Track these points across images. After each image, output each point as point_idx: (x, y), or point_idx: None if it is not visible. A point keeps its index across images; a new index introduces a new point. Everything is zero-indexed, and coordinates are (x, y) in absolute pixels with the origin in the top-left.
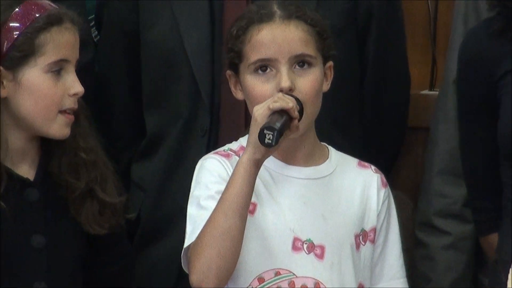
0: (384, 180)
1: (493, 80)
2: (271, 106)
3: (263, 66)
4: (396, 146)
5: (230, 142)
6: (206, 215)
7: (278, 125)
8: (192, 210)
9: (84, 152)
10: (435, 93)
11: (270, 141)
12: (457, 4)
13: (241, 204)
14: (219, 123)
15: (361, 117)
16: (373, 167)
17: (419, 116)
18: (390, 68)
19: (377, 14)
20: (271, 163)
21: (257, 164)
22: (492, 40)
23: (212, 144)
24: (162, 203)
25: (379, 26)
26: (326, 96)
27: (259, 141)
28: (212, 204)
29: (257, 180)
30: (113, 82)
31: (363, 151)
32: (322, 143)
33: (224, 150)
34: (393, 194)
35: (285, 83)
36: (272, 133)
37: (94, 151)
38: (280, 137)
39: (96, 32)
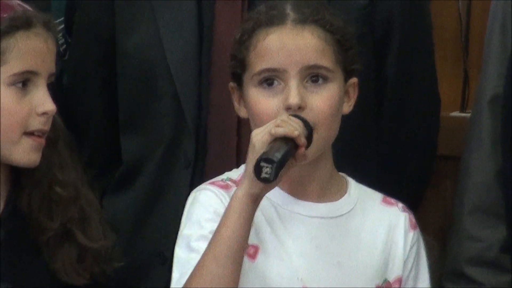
0: (413, 220)
1: None
2: (272, 132)
3: (270, 78)
4: (422, 182)
5: (219, 174)
6: (197, 259)
7: (278, 156)
8: (180, 252)
9: (60, 186)
10: (467, 115)
11: (267, 176)
12: (493, 9)
13: (235, 248)
14: (206, 152)
15: (378, 146)
16: (400, 204)
17: (448, 142)
18: (415, 86)
19: (399, 21)
20: (277, 196)
21: (254, 200)
22: None
23: (198, 177)
24: (137, 247)
25: (402, 35)
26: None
27: (255, 175)
28: (205, 246)
29: (260, 218)
30: (85, 98)
31: (378, 187)
32: (340, 173)
33: (222, 180)
34: None
35: (294, 99)
36: (270, 165)
37: (74, 185)
38: (280, 170)
39: (63, 39)
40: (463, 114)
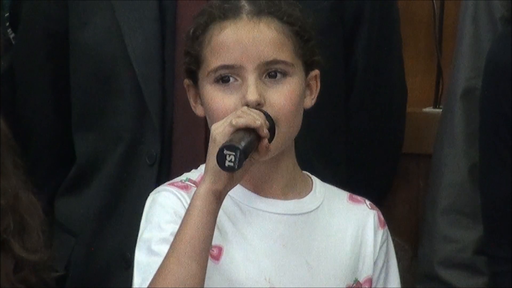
0: (382, 218)
1: None
2: (233, 122)
3: (226, 75)
4: (387, 177)
5: (187, 172)
6: (158, 262)
7: (242, 144)
8: (141, 256)
9: None
10: (440, 111)
11: (231, 164)
12: (465, 1)
13: (199, 248)
14: (171, 149)
15: (347, 140)
16: (368, 201)
17: (420, 139)
18: (383, 79)
19: (369, 11)
20: (239, 194)
21: (218, 196)
22: None
23: (164, 175)
24: (98, 251)
25: (371, 26)
26: (304, 114)
27: (218, 164)
28: (167, 249)
29: (223, 217)
30: (32, 95)
31: (349, 182)
32: (304, 172)
33: (181, 181)
34: None
35: (252, 95)
36: (233, 153)
37: (13, 193)
38: (244, 159)
39: (12, 32)
40: (436, 110)
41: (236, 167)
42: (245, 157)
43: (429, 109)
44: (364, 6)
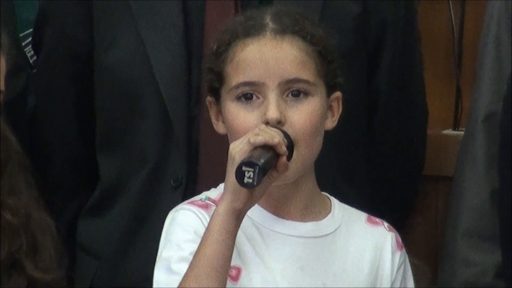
0: (400, 240)
1: None
2: (251, 140)
3: (248, 93)
4: (408, 198)
5: None
6: (178, 281)
7: (261, 160)
8: (160, 275)
9: (9, 212)
10: (460, 133)
11: (250, 180)
12: (487, 23)
13: (218, 267)
14: (197, 171)
15: (369, 161)
16: (386, 223)
17: (440, 162)
18: (405, 101)
19: (392, 31)
20: (259, 215)
21: (237, 215)
22: None
23: (189, 197)
24: (123, 274)
25: (394, 47)
26: (328, 135)
27: (237, 180)
28: (186, 268)
29: (242, 238)
30: (56, 117)
31: (372, 202)
32: (323, 193)
33: (201, 200)
34: None
35: (273, 113)
36: (252, 169)
37: (25, 211)
38: (263, 175)
39: (33, 52)
40: (456, 132)
41: (255, 183)
42: (263, 173)
43: (448, 131)
44: (387, 28)
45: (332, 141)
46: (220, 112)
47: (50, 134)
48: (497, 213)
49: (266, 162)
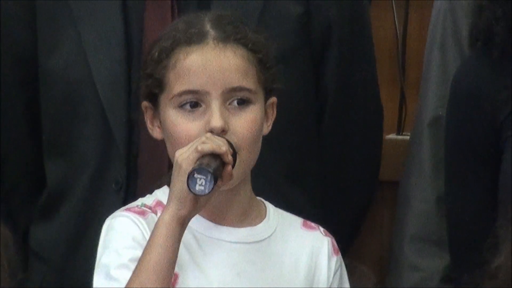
0: (336, 245)
1: (495, 122)
2: (199, 148)
3: (191, 101)
4: (361, 205)
5: None
6: (117, 287)
7: (212, 167)
8: (99, 281)
9: None
10: (404, 137)
11: (202, 188)
12: (432, 27)
13: (164, 274)
14: (137, 174)
15: (319, 165)
16: (321, 228)
17: (383, 166)
18: (355, 101)
19: (337, 30)
20: (195, 222)
21: (182, 223)
22: (494, 72)
23: (131, 200)
24: (70, 278)
25: (341, 45)
26: (276, 139)
27: (188, 188)
28: (126, 275)
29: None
30: (7, 122)
31: (324, 208)
32: (258, 198)
33: (137, 206)
34: (352, 266)
35: (217, 122)
36: (204, 177)
37: None
38: (215, 183)
39: None
40: (400, 137)
41: (207, 191)
42: (215, 181)
43: (392, 136)
44: (331, 28)
45: (278, 145)
46: (155, 118)
47: (2, 139)
48: (443, 218)
49: (215, 170)
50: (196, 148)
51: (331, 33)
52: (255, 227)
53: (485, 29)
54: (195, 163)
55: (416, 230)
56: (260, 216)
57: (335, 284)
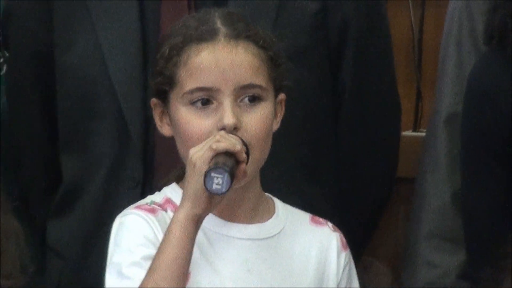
0: (344, 240)
1: (511, 118)
2: (214, 147)
3: (203, 98)
4: (379, 201)
5: None
6: (129, 285)
7: (229, 166)
8: (112, 280)
9: None
10: (420, 134)
11: (219, 187)
12: (448, 25)
13: (178, 272)
14: (154, 171)
15: (337, 160)
16: (330, 224)
17: (400, 163)
18: (374, 96)
19: (354, 27)
20: (206, 220)
21: (197, 221)
22: (509, 69)
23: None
24: (87, 274)
25: (358, 41)
26: (293, 135)
27: (205, 187)
28: (138, 273)
29: None
30: (23, 118)
31: (340, 204)
32: (266, 194)
33: (147, 204)
34: (367, 262)
35: (229, 120)
36: (221, 176)
37: None
38: (231, 182)
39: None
40: (416, 134)
41: (224, 190)
42: (231, 180)
43: (408, 133)
44: (348, 26)
45: (295, 140)
46: (165, 114)
47: (19, 135)
48: (459, 214)
49: (232, 168)
50: (211, 146)
51: (348, 29)
52: (264, 223)
53: (500, 27)
54: (210, 161)
55: (432, 227)
56: (269, 212)
57: (344, 280)
